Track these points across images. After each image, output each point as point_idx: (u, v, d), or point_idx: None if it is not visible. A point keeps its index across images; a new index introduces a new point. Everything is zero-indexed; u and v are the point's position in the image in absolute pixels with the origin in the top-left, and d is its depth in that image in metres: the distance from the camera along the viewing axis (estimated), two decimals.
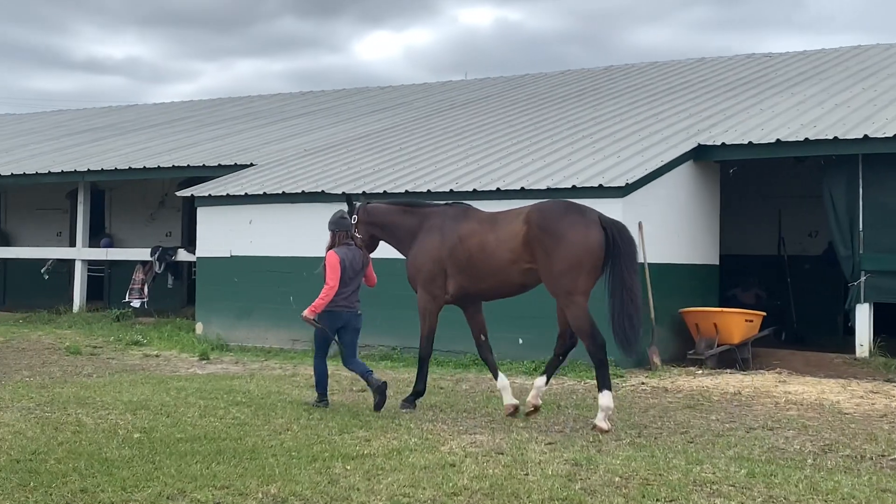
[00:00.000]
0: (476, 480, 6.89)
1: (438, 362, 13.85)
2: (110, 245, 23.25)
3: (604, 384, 9.12)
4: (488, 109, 21.65)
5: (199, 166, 19.60)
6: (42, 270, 23.53)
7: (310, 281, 15.68)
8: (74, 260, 22.00)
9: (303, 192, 16.09)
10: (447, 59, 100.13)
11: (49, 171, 21.41)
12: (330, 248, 10.14)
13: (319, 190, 15.94)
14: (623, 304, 9.14)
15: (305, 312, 10.00)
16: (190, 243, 21.50)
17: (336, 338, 10.19)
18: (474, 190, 14.47)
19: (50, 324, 19.67)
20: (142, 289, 21.02)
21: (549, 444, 8.31)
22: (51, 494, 6.49)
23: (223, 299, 16.76)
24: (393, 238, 10.53)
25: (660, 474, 7.14)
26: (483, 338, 10.09)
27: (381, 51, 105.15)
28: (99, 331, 18.30)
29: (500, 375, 9.95)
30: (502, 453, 7.84)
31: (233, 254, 16.72)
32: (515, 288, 9.85)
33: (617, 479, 6.99)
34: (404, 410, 9.90)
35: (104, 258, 22.23)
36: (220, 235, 16.95)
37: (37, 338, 17.35)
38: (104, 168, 20.73)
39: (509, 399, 9.79)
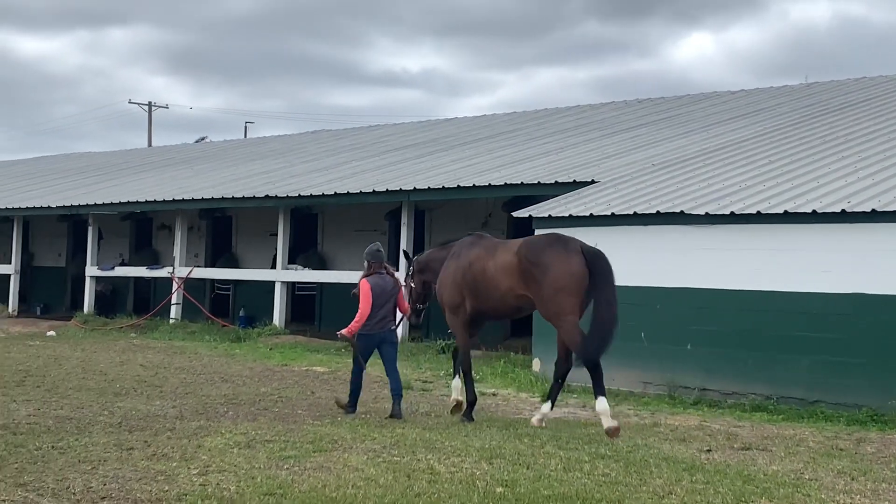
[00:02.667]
0: None
1: (826, 417, 12.84)
2: None
3: (599, 391, 11.15)
4: (873, 113, 20.11)
5: (532, 184, 19.53)
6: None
7: (664, 314, 15.16)
8: None
9: (657, 212, 15.51)
10: (778, 61, 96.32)
11: (373, 191, 22.16)
12: (364, 276, 12.19)
13: (678, 210, 15.30)
14: (602, 321, 11.19)
15: (343, 331, 12.18)
16: None
17: (360, 356, 12.44)
18: (873, 210, 13.28)
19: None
20: None
21: None
22: None
23: None
24: (434, 275, 12.61)
25: None
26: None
27: (698, 53, 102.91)
28: (425, 363, 18.59)
29: (457, 379, 12.48)
30: None
31: None
32: (512, 310, 12.35)
33: None
34: (464, 421, 11.83)
35: None
36: None
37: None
38: (430, 186, 21.16)
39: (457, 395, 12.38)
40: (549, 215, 16.95)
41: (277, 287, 24.46)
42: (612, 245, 15.97)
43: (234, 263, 29.26)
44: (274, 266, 25.57)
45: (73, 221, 32.60)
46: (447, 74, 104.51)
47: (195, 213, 28.72)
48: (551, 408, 11.94)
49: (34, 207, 30.51)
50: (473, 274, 11.95)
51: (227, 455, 9.60)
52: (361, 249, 26.21)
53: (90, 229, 29.11)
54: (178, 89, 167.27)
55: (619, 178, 18.52)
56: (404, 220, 22.35)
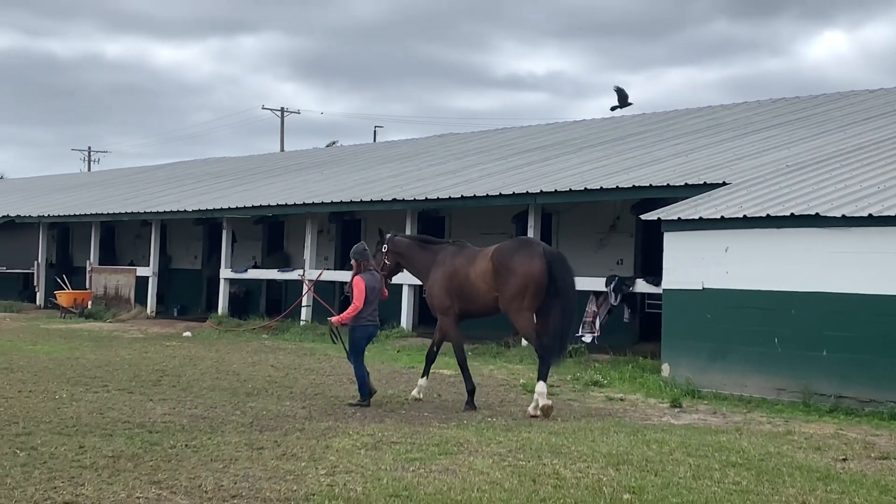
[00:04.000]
0: None
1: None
2: None
3: (541, 376, 13.03)
4: None
5: (661, 186, 19.25)
6: None
7: (798, 319, 14.76)
8: None
9: (791, 214, 15.09)
10: None
11: (500, 193, 22.16)
12: (355, 274, 13.46)
13: (813, 213, 14.86)
14: (561, 317, 13.21)
15: (335, 319, 13.62)
16: (644, 272, 21.26)
17: (355, 346, 13.50)
18: None
19: (498, 357, 20.25)
20: (594, 322, 21.06)
21: None
22: None
23: (693, 338, 16.16)
24: (413, 267, 14.62)
25: None
26: (436, 349, 14.25)
27: (831, 52, 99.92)
28: (551, 368, 18.43)
29: (426, 378, 14.17)
30: None
31: (705, 286, 16.08)
32: (492, 309, 13.91)
33: None
34: (466, 410, 13.25)
35: None
36: (689, 265, 16.39)
37: (488, 372, 17.86)
38: (557, 189, 21.04)
39: (415, 393, 14.06)
40: (679, 218, 16.66)
41: (405, 290, 24.65)
42: (744, 248, 15.71)
43: None
44: None
45: (208, 225, 33.47)
46: (573, 76, 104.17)
47: (325, 217, 29.17)
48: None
49: (171, 211, 31.43)
50: (459, 280, 13.72)
51: (354, 456, 9.72)
52: None
53: (224, 232, 29.84)
54: (306, 95, 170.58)
55: (751, 179, 18.10)
56: (531, 222, 22.29)
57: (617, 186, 20.02)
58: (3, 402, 12.82)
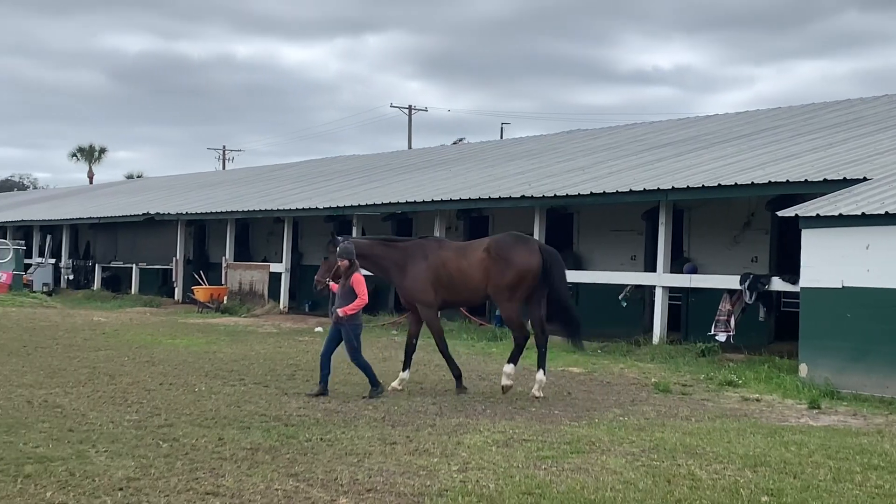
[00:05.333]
0: None
1: None
2: (693, 271, 23.25)
3: (513, 360, 14.27)
4: None
5: (798, 182, 18.76)
6: (620, 297, 24.26)
7: None
8: (653, 286, 22.34)
9: None
10: None
11: (630, 190, 21.91)
12: (354, 271, 13.68)
13: None
14: (558, 304, 14.44)
15: (341, 312, 13.49)
16: (780, 270, 20.78)
17: (354, 339, 13.72)
18: None
19: (629, 356, 20.06)
20: (728, 321, 20.67)
21: None
22: None
23: (832, 338, 15.73)
24: (377, 267, 14.97)
25: None
26: (414, 340, 14.79)
27: None
28: (684, 366, 18.22)
29: (408, 372, 14.61)
30: None
31: (845, 284, 15.63)
32: (482, 298, 15.45)
33: None
34: (459, 394, 14.04)
35: (686, 285, 22.26)
36: (829, 263, 15.96)
37: (619, 371, 17.70)
38: (690, 185, 20.70)
39: (396, 384, 14.37)
40: (817, 214, 16.23)
41: None
42: (887, 246, 15.21)
43: None
44: None
45: (338, 222, 33.94)
46: (700, 70, 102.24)
47: (453, 214, 29.31)
48: (543, 372, 14.26)
49: (303, 209, 32.03)
50: (449, 272, 14.38)
51: (485, 453, 9.75)
52: (618, 249, 26.44)
53: (354, 229, 30.24)
54: (431, 92, 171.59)
55: (893, 175, 17.52)
56: (662, 219, 21.98)
57: (752, 182, 19.59)
58: (146, 395, 13.26)
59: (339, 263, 13.78)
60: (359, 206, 29.51)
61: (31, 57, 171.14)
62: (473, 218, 30.19)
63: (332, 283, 14.27)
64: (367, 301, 13.69)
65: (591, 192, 22.78)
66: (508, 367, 14.16)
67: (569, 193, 23.31)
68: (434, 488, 8.31)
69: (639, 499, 8.04)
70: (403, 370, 14.61)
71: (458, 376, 14.58)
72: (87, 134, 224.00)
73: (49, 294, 39.51)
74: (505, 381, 14.12)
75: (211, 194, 42.77)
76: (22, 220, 49.47)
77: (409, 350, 14.72)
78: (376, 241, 15.19)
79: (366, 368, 13.83)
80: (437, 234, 27.59)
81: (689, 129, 30.47)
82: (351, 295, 13.61)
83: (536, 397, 13.85)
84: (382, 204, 28.84)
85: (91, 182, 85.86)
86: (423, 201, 27.36)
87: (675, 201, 22.19)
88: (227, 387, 14.27)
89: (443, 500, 7.98)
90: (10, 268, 37.63)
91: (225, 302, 32.79)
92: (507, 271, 14.09)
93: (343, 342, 13.78)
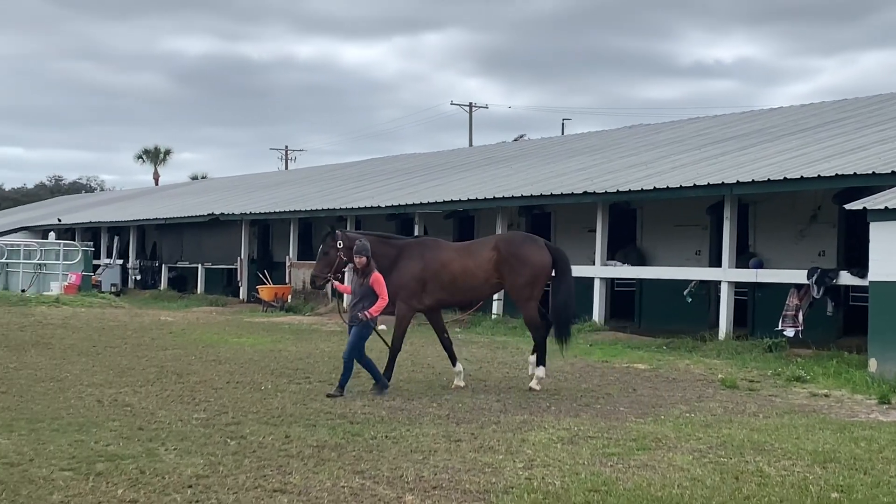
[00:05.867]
0: None
1: None
2: (759, 265, 22.98)
3: (541, 360, 14.35)
4: None
5: (866, 174, 18.46)
6: (685, 292, 24.09)
7: None
8: (719, 282, 22.13)
9: None
10: None
11: (693, 185, 21.71)
12: (373, 271, 13.49)
13: None
14: (563, 300, 14.44)
15: (368, 313, 13.22)
16: (848, 264, 20.47)
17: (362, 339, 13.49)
18: None
19: (694, 351, 19.88)
20: (795, 316, 20.41)
21: None
22: None
23: None
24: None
25: None
26: (445, 335, 14.69)
27: None
28: (751, 362, 18.03)
29: (458, 364, 14.62)
30: None
31: None
32: (477, 299, 15.41)
33: None
34: (373, 394, 13.36)
35: (752, 280, 22.01)
36: None
37: (684, 367, 17.56)
38: (755, 179, 20.46)
39: (458, 381, 14.39)
40: (886, 207, 15.98)
41: (596, 283, 24.53)
42: None
43: None
44: (592, 262, 25.63)
45: (400, 220, 34.10)
46: (762, 63, 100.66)
47: (515, 210, 29.28)
48: (541, 366, 14.43)
49: (366, 207, 32.19)
50: (452, 273, 14.34)
51: (550, 450, 9.74)
52: (683, 245, 26.22)
53: (416, 227, 30.34)
54: (491, 89, 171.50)
55: None
56: (727, 213, 21.76)
57: (818, 175, 19.31)
58: (213, 393, 13.42)
59: (357, 261, 13.65)
60: (420, 203, 29.59)
61: (96, 61, 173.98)
62: (536, 214, 30.14)
63: (336, 284, 14.37)
64: (388, 301, 13.56)
65: (655, 188, 22.60)
66: (540, 371, 14.34)
67: (631, 189, 23.16)
68: (499, 485, 8.31)
69: (706, 496, 7.97)
70: (454, 365, 14.68)
71: (385, 382, 13.83)
72: (151, 136, 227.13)
73: (117, 294, 40.16)
74: (535, 385, 14.21)
75: (274, 194, 43.16)
76: (90, 222, 50.33)
77: (446, 344, 14.74)
78: (373, 237, 14.95)
79: (372, 370, 13.80)
80: (498, 231, 27.60)
81: (752, 123, 30.13)
82: (371, 294, 13.49)
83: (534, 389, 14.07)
84: (444, 202, 28.89)
85: (156, 183, 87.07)
86: (485, 199, 27.37)
87: (740, 195, 21.96)
88: (293, 385, 14.39)
89: (508, 497, 7.98)
90: (78, 269, 38.24)
91: (289, 301, 33.06)
92: (524, 269, 14.25)
93: (353, 338, 13.53)
